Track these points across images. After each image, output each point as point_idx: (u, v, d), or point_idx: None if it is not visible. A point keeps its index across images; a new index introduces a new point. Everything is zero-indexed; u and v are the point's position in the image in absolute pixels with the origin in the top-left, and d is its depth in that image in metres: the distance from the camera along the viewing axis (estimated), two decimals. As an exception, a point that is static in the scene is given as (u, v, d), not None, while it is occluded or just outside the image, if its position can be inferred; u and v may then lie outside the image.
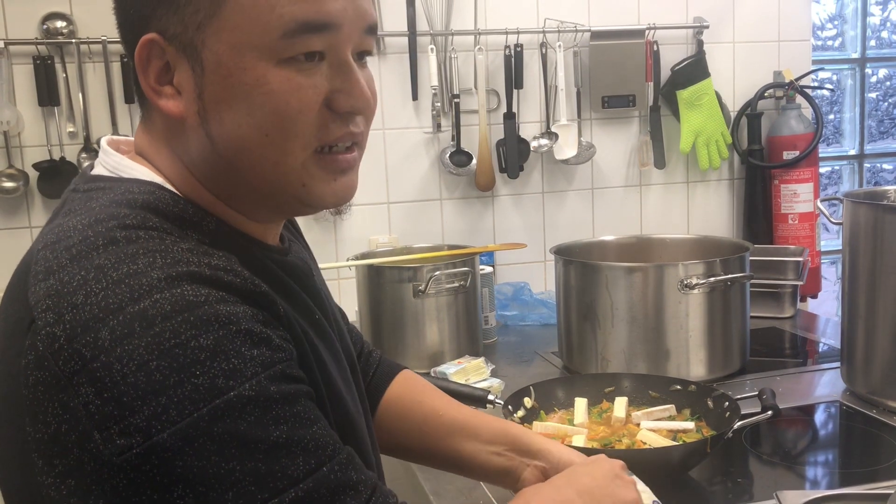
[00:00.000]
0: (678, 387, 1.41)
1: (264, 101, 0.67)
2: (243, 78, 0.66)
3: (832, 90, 2.83)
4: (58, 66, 2.05)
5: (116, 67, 2.08)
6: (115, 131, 2.09)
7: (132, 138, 0.77)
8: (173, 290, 0.60)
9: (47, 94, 2.04)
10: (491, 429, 1.00)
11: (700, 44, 2.42)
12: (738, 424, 1.26)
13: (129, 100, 2.09)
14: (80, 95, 2.06)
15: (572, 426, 1.32)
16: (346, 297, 2.22)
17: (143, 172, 0.72)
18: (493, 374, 1.74)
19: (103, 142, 0.76)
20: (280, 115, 0.67)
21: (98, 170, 0.74)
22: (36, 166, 2.06)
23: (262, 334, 0.63)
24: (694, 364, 1.66)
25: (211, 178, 0.72)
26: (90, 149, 2.08)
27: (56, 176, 2.07)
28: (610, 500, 0.85)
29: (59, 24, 2.05)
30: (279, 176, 0.70)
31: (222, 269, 0.64)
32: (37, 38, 2.03)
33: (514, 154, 2.30)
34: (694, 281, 1.61)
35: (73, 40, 2.04)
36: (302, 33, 0.66)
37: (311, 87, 0.68)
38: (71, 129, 2.09)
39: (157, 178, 0.71)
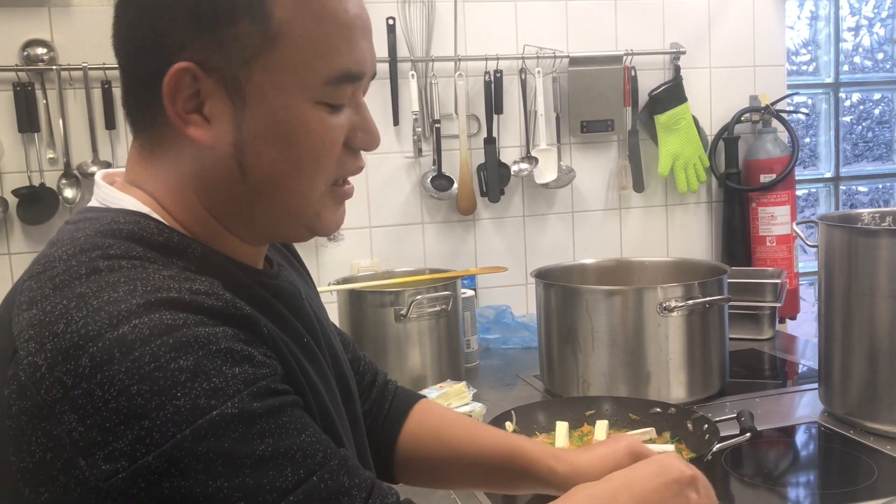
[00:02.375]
0: (658, 409, 1.42)
1: (302, 139, 0.71)
2: (286, 116, 0.70)
3: (807, 114, 2.87)
4: (38, 93, 2.05)
5: (97, 94, 2.08)
6: (96, 157, 2.09)
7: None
8: (151, 315, 0.60)
9: (27, 120, 2.04)
10: (511, 469, 0.98)
11: (677, 69, 2.46)
12: (717, 446, 1.27)
13: (109, 126, 2.09)
14: (61, 122, 2.06)
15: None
16: (328, 322, 2.22)
17: (130, 203, 0.72)
18: (475, 398, 1.74)
19: (97, 176, 0.77)
20: (315, 152, 0.72)
21: (92, 202, 0.75)
22: (15, 192, 2.05)
23: (244, 352, 0.63)
24: (674, 386, 1.67)
25: (226, 204, 0.73)
26: (70, 175, 2.08)
27: (36, 202, 2.06)
28: None
29: (40, 50, 2.05)
30: (302, 206, 0.74)
31: (203, 293, 0.64)
32: (17, 65, 2.03)
33: (494, 178, 2.32)
34: (673, 304, 1.63)
35: (54, 67, 2.04)
36: (342, 82, 0.71)
37: (339, 127, 0.73)
38: (51, 156, 2.08)
39: (143, 208, 0.72)
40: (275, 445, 0.61)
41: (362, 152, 0.78)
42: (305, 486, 0.62)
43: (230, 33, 0.67)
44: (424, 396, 1.10)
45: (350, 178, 0.79)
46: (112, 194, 0.74)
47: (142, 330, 0.59)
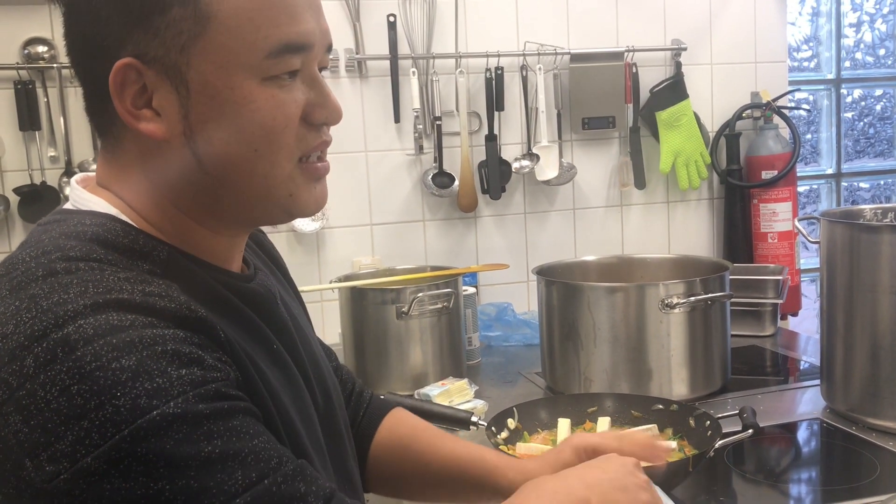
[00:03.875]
0: (660, 406, 1.42)
1: (252, 117, 0.69)
2: (231, 96, 0.68)
3: (809, 110, 2.86)
4: (39, 91, 2.05)
5: (98, 92, 2.07)
6: (97, 155, 2.08)
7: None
8: (98, 315, 0.60)
9: (28, 118, 2.04)
10: (477, 472, 0.98)
11: (678, 65, 2.45)
12: (719, 443, 1.27)
13: (110, 124, 2.09)
14: (62, 120, 2.06)
15: (555, 447, 1.32)
16: (329, 320, 2.22)
17: (99, 204, 0.72)
18: (477, 395, 1.74)
19: (73, 178, 0.77)
20: (268, 130, 0.70)
21: (66, 205, 0.75)
22: (17, 191, 2.05)
23: (193, 355, 0.62)
24: (676, 383, 1.67)
25: (192, 197, 0.72)
26: (72, 173, 2.07)
27: (37, 200, 2.06)
28: (623, 495, 0.82)
29: (41, 48, 2.05)
30: (268, 188, 0.72)
31: (156, 294, 0.63)
32: (18, 63, 2.03)
33: (495, 175, 2.32)
34: (675, 300, 1.63)
35: (55, 65, 2.04)
36: (284, 53, 0.70)
37: (293, 101, 0.71)
38: (52, 154, 2.08)
39: (112, 210, 0.71)
40: (223, 447, 0.60)
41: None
42: (255, 490, 0.60)
43: (163, 21, 0.67)
44: (399, 405, 1.09)
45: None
46: (83, 196, 0.73)
47: (86, 330, 0.58)
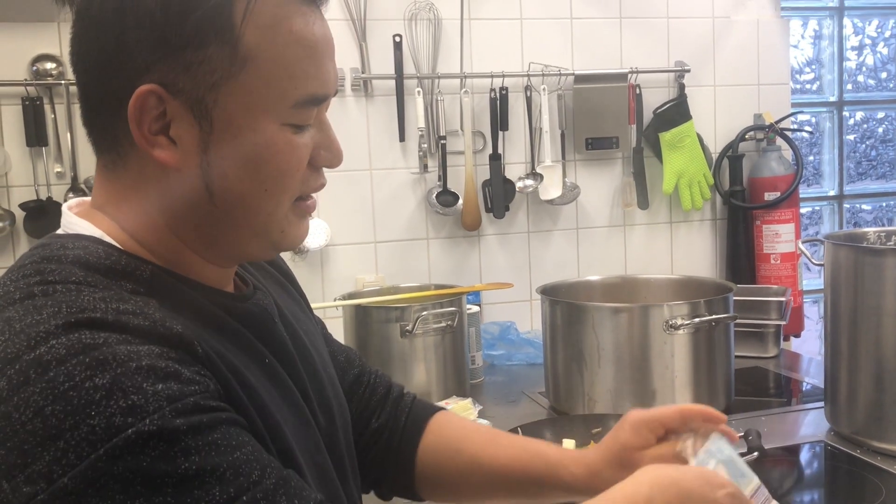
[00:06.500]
0: (665, 427, 1.41)
1: (269, 159, 0.71)
2: (253, 138, 0.70)
3: (811, 132, 2.88)
4: (46, 107, 2.06)
5: (105, 108, 2.08)
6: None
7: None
8: (70, 335, 0.60)
9: (35, 134, 2.05)
10: (537, 469, 0.96)
11: (682, 87, 2.47)
12: (724, 465, 1.27)
13: (117, 140, 2.10)
14: (69, 136, 2.07)
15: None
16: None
17: (85, 227, 0.72)
18: (481, 414, 1.74)
19: (64, 206, 0.77)
20: (281, 172, 0.72)
21: (59, 230, 0.75)
22: (23, 206, 2.06)
23: (169, 369, 0.61)
24: (680, 404, 1.66)
25: (192, 225, 0.72)
26: (77, 189, 2.08)
27: (43, 216, 2.06)
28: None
29: (49, 65, 2.06)
30: (267, 224, 0.74)
31: (130, 312, 0.63)
32: (26, 80, 2.04)
33: (499, 194, 2.33)
34: (679, 321, 1.63)
35: (63, 82, 2.05)
36: (309, 105, 0.72)
37: (304, 146, 0.73)
38: (59, 170, 2.09)
39: (97, 232, 0.71)
40: (201, 463, 0.60)
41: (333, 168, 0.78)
42: None
43: (197, 57, 0.67)
44: (443, 408, 1.07)
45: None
46: (70, 220, 0.73)
47: (58, 350, 0.59)
